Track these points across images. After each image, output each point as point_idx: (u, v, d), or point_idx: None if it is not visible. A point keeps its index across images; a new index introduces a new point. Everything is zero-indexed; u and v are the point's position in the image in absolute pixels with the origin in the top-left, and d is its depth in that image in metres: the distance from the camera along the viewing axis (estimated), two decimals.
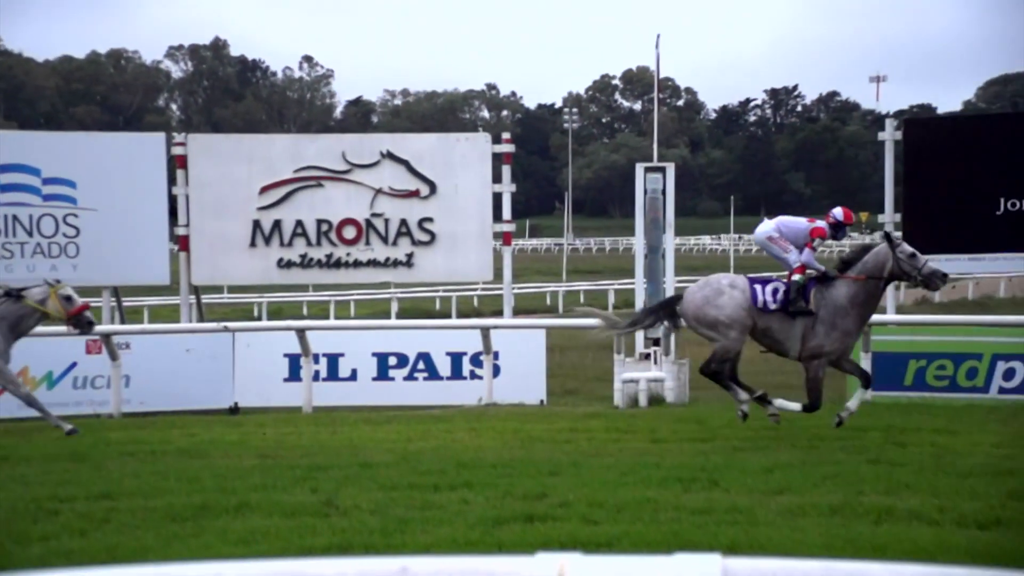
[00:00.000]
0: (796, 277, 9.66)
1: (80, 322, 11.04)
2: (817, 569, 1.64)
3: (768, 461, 7.93)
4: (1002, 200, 13.32)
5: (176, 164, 13.99)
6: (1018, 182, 13.29)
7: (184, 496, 7.00)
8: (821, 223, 10.16)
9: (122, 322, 14.59)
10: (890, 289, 14.32)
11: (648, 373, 12.77)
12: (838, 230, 10.31)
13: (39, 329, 11.07)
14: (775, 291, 9.65)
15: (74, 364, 12.69)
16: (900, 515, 6.09)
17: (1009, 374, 12.34)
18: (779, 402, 9.62)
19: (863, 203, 63.75)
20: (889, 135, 14.03)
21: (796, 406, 9.63)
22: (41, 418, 10.45)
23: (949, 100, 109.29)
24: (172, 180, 13.98)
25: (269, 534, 5.88)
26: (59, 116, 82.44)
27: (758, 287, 9.70)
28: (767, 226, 10.40)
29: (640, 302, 13.74)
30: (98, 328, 12.32)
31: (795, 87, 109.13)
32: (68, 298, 10.90)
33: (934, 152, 13.84)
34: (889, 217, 14.01)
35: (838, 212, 10.30)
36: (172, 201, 13.96)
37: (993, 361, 12.37)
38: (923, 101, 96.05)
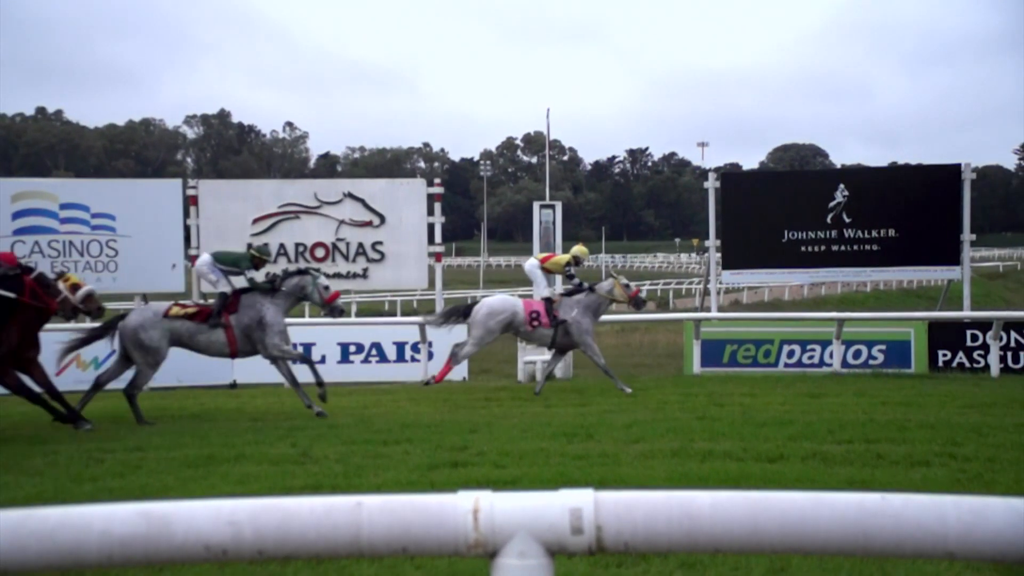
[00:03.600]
0: None
1: (637, 302, 10.77)
2: (662, 496, 1.66)
3: (628, 419, 7.98)
4: (785, 231, 13.75)
5: (190, 202, 13.71)
6: (795, 219, 13.74)
7: (196, 449, 6.82)
8: None
9: None
10: (713, 292, 14.66)
11: (543, 356, 12.79)
12: None
13: (88, 323, 10.41)
14: None
15: (115, 351, 12.27)
16: (718, 455, 6.18)
17: (791, 354, 12.76)
18: None
19: (695, 232, 65.20)
20: (711, 184, 14.33)
21: None
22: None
23: (750, 160, 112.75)
24: (187, 214, 13.69)
25: (259, 477, 5.75)
26: (104, 168, 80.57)
27: None
28: None
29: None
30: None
31: (646, 148, 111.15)
32: (627, 285, 10.73)
33: (742, 197, 14.21)
34: (712, 242, 14.34)
35: None
36: (187, 230, 13.68)
37: (780, 345, 12.75)
38: (733, 160, 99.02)
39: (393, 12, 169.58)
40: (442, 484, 5.25)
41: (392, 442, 6.98)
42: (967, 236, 13.34)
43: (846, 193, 13.58)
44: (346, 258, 13.83)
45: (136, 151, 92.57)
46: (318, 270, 10.09)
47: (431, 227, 14.06)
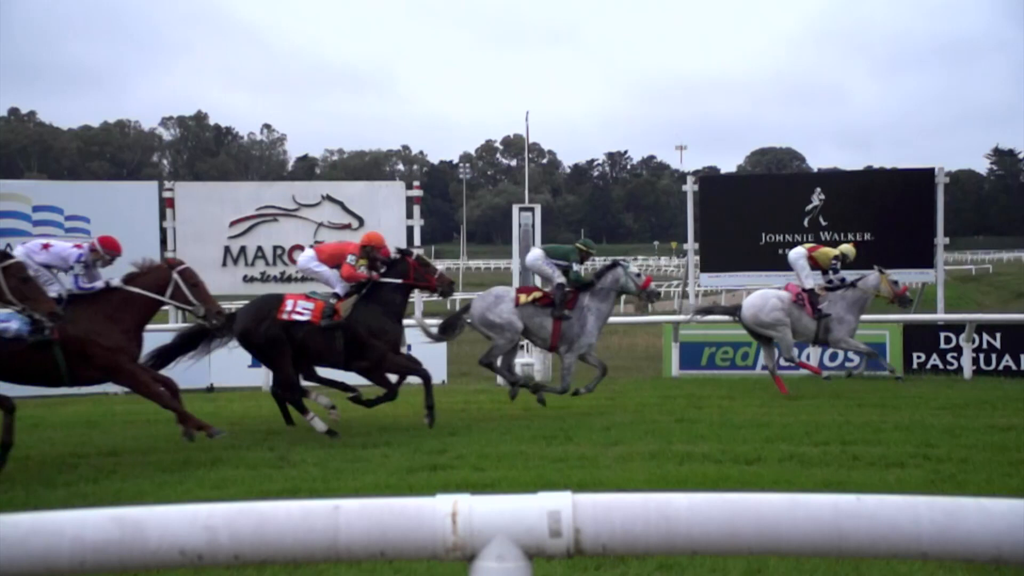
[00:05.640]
0: None
1: (903, 301, 10.65)
2: (640, 499, 1.67)
3: (607, 422, 8.02)
4: (763, 234, 13.85)
5: (166, 205, 13.58)
6: (773, 222, 13.84)
7: (172, 453, 6.77)
8: None
9: None
10: (691, 295, 14.76)
11: (522, 359, 12.79)
12: None
13: None
14: None
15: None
16: (697, 457, 6.22)
17: None
18: None
19: (674, 235, 65.52)
20: (690, 187, 14.41)
21: None
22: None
23: (728, 163, 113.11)
24: (163, 217, 13.57)
25: (236, 482, 5.71)
26: (79, 170, 79.44)
27: None
28: None
29: None
30: None
31: (625, 151, 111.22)
32: (895, 282, 10.53)
33: (719, 200, 14.29)
34: (691, 245, 14.42)
35: None
36: (163, 232, 13.56)
37: (758, 348, 12.79)
38: (711, 163, 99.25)
39: (371, 14, 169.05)
40: (421, 487, 5.24)
41: (371, 445, 6.96)
42: (940, 239, 13.51)
43: (823, 196, 13.71)
44: None
45: (111, 153, 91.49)
46: (626, 260, 10.12)
47: (410, 230, 14.01)
